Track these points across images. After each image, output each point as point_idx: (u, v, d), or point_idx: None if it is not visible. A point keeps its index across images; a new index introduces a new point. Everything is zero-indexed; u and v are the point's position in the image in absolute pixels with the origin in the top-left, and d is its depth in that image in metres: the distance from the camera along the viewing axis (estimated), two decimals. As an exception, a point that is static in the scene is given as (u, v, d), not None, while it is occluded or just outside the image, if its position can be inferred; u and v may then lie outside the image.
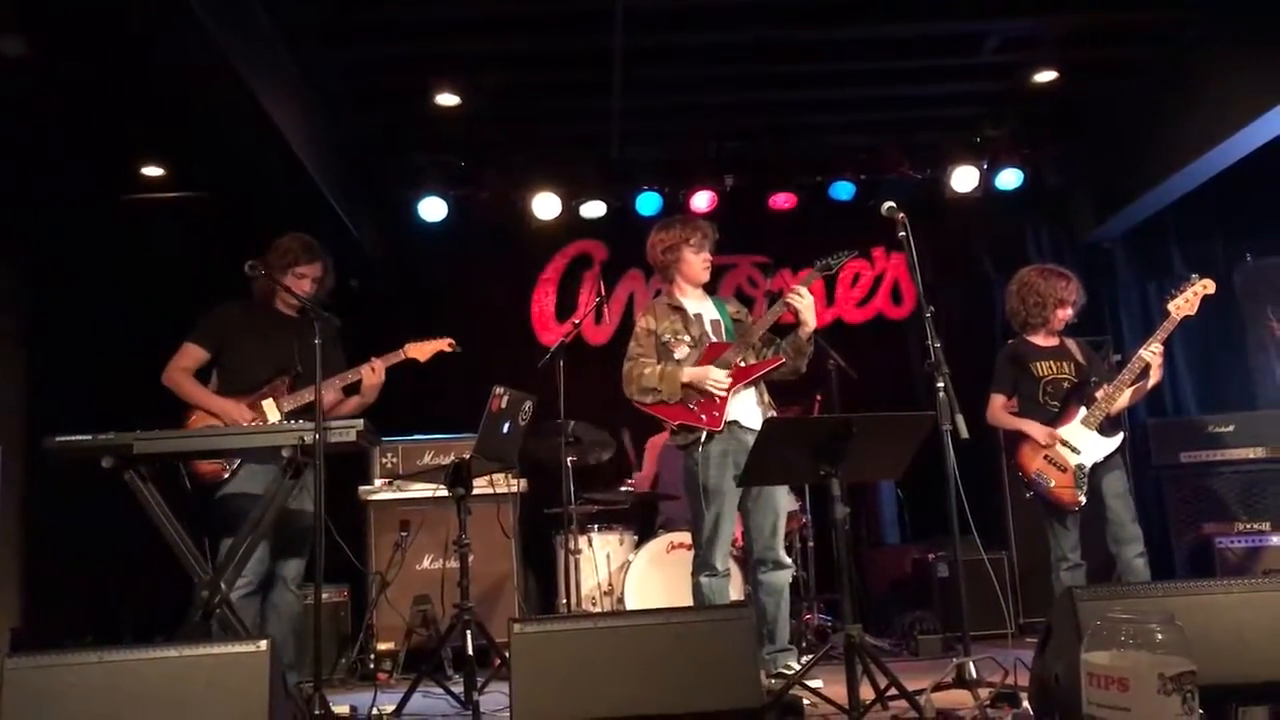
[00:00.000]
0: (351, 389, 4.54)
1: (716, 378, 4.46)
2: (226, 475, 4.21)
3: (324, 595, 5.25)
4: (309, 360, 4.20)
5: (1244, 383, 7.43)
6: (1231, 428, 6.67)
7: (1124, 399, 4.85)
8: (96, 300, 6.76)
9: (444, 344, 4.63)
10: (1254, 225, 7.53)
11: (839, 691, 3.65)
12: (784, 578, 4.54)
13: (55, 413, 6.11)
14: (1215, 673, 2.57)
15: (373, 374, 4.43)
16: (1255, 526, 6.39)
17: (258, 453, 3.99)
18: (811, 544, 6.18)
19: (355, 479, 6.03)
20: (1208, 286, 4.78)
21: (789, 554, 4.68)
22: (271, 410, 4.31)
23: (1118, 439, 4.81)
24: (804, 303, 4.45)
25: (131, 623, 6.04)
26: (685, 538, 5.66)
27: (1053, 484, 4.79)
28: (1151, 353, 4.73)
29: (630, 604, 5.67)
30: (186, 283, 6.35)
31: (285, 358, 4.37)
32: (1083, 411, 4.82)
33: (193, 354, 4.41)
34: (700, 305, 4.74)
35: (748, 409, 4.53)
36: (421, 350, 4.59)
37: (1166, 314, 4.79)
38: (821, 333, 4.59)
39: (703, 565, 4.46)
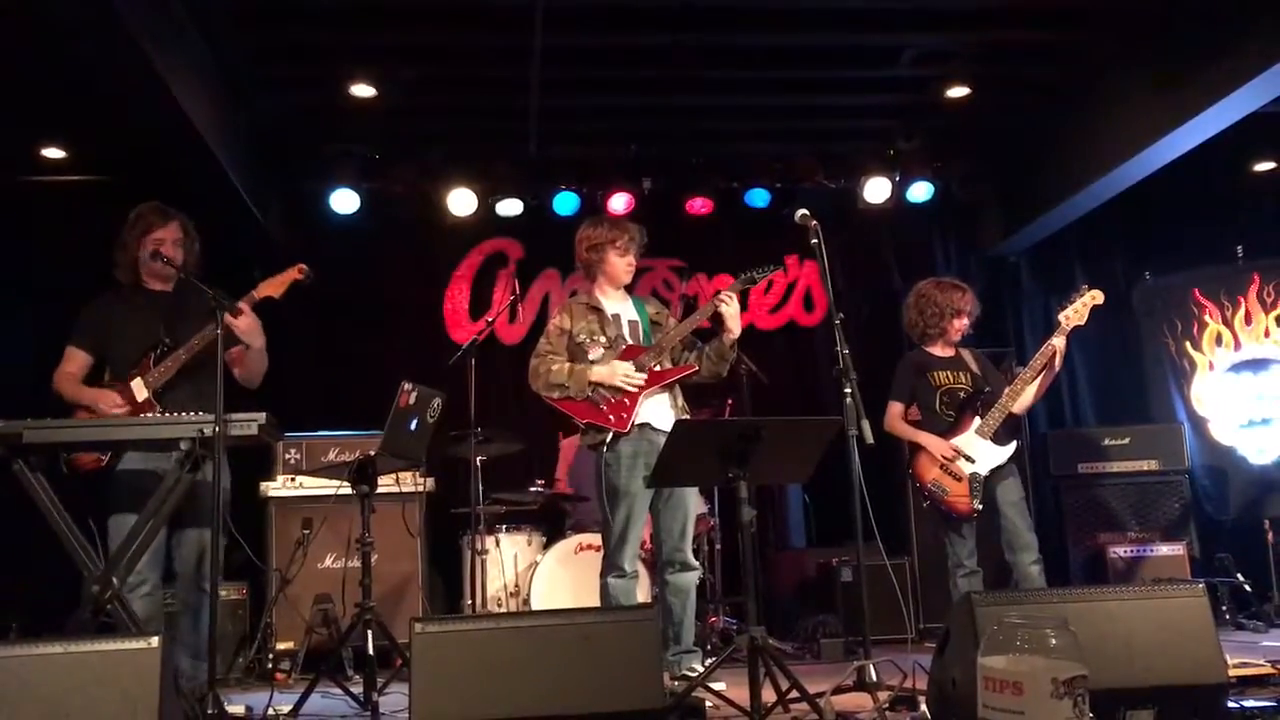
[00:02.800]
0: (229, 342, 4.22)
1: (626, 371, 4.46)
2: (104, 465, 4.04)
3: (222, 593, 5.18)
4: (176, 332, 4.09)
5: (1140, 397, 7.68)
6: (1127, 440, 6.89)
7: (1030, 393, 4.94)
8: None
9: (294, 273, 4.26)
10: (1153, 245, 7.80)
11: (742, 694, 3.67)
12: (691, 579, 4.56)
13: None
14: (1105, 677, 2.64)
15: (239, 321, 4.03)
16: (1146, 536, 6.61)
17: (155, 444, 3.87)
18: (719, 547, 6.22)
19: (257, 474, 5.90)
20: (1097, 298, 4.91)
21: (696, 557, 4.70)
22: (140, 389, 4.11)
23: (1011, 448, 4.91)
24: (731, 310, 4.50)
25: (18, 620, 5.83)
26: (594, 539, 5.64)
27: (949, 493, 4.88)
28: (1060, 339, 4.82)
29: (537, 605, 5.64)
30: (88, 268, 6.15)
31: (153, 332, 4.18)
32: (977, 421, 4.92)
33: (76, 358, 4.23)
34: (620, 305, 4.74)
35: (660, 411, 4.54)
36: (273, 286, 4.23)
37: (1058, 324, 4.91)
38: (737, 339, 4.63)
39: (611, 566, 4.46)
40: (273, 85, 6.54)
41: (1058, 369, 4.95)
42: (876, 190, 7.47)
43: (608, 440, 4.44)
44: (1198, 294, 7.43)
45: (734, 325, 4.53)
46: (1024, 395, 4.92)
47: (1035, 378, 4.90)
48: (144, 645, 2.85)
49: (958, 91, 6.84)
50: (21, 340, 6.26)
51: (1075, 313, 4.89)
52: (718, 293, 4.56)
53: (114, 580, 3.61)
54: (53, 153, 6.71)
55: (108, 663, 2.82)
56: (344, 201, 7.19)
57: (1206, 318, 7.38)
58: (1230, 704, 3.16)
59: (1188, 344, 7.44)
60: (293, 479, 5.96)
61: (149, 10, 4.93)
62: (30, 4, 4.78)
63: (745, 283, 4.68)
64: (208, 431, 3.59)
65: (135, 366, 4.17)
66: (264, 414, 3.74)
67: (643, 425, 4.46)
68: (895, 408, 5.13)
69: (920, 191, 7.58)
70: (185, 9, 5.40)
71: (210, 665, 3.65)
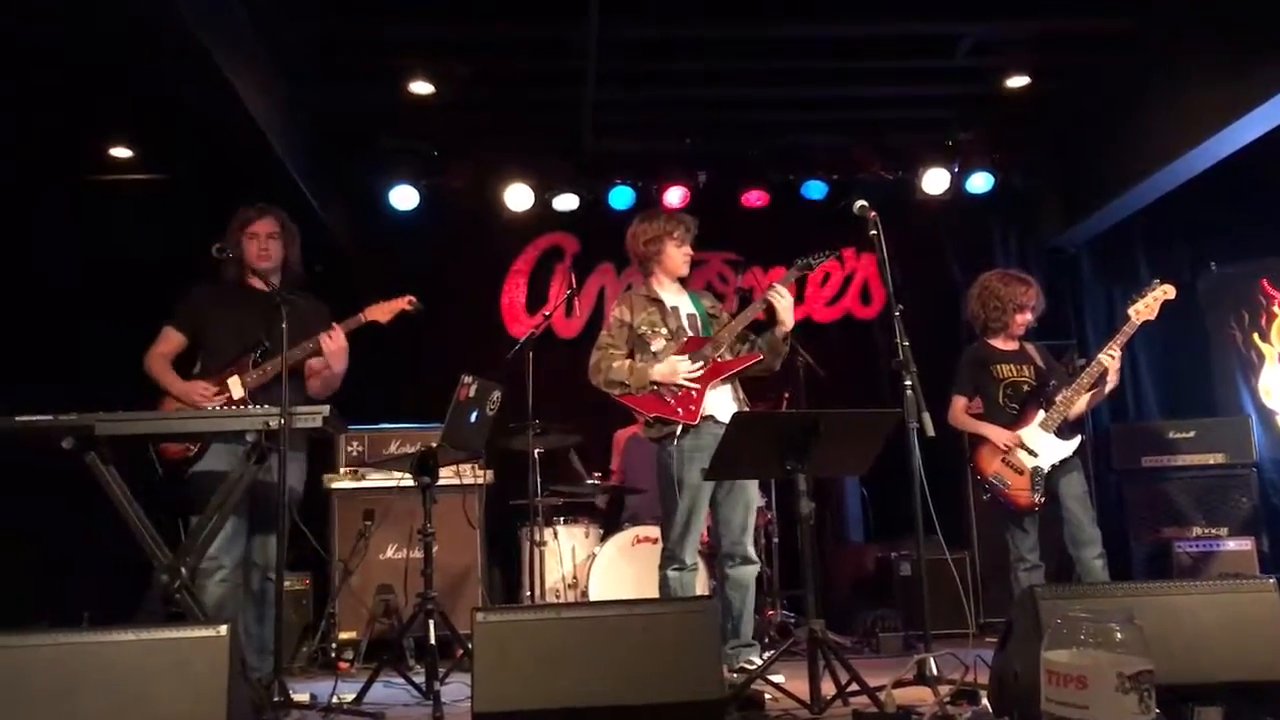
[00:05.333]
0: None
1: (686, 368, 4.46)
2: (192, 454, 4.16)
3: (286, 583, 5.26)
4: (276, 335, 4.13)
5: (1205, 390, 7.53)
6: (1192, 434, 6.76)
7: (1081, 403, 4.89)
8: (62, 281, 6.67)
9: (404, 303, 4.43)
10: (1218, 234, 7.62)
11: (800, 687, 3.67)
12: (751, 573, 4.55)
13: (15, 394, 6.02)
14: (1172, 672, 2.59)
15: (330, 340, 4.27)
16: (1212, 531, 6.49)
17: (222, 436, 3.95)
18: (776, 540, 6.21)
19: (320, 466, 5.98)
20: (1168, 292, 4.84)
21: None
22: (236, 386, 4.23)
23: (1075, 442, 4.86)
24: (783, 302, 4.49)
25: (91, 607, 5.96)
26: (651, 531, 5.66)
27: (1010, 486, 4.83)
28: (1110, 356, 4.79)
29: (594, 597, 5.66)
30: (153, 265, 6.28)
31: (253, 333, 4.29)
32: (1041, 414, 4.87)
33: (170, 338, 4.38)
34: (678, 299, 4.74)
35: (723, 404, 4.53)
36: (382, 312, 4.41)
37: (1127, 318, 4.85)
38: (791, 331, 4.61)
39: (671, 559, 4.47)
40: (332, 83, 6.62)
41: (1113, 384, 4.88)
42: (935, 181, 7.41)
43: (676, 433, 4.44)
44: (1266, 284, 7.26)
45: (787, 318, 4.52)
46: (1076, 404, 4.86)
47: (1089, 389, 4.84)
48: (213, 633, 2.92)
49: (1017, 81, 6.76)
50: (92, 335, 6.41)
51: (1146, 307, 4.83)
52: (771, 285, 4.55)
53: (182, 570, 3.70)
54: (120, 152, 6.85)
55: (177, 650, 2.89)
56: (403, 198, 7.28)
57: (1275, 308, 7.22)
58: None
59: (1255, 335, 7.28)
60: (355, 471, 6.03)
61: (211, 9, 5.01)
62: (94, 4, 4.88)
63: (801, 269, 4.65)
64: (274, 424, 3.66)
65: (232, 364, 4.28)
66: (328, 406, 3.81)
67: (706, 418, 4.45)
68: (959, 401, 5.10)
69: (979, 182, 7.51)
70: (246, 8, 5.49)
71: (276, 654, 3.72)
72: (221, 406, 4.17)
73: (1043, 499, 4.78)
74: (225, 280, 4.47)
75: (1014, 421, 4.92)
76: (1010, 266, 6.43)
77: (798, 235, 7.30)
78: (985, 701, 3.39)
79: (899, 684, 3.66)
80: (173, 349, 4.38)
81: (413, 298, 4.44)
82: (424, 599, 4.33)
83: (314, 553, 4.93)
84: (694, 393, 4.45)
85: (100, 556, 5.38)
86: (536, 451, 5.60)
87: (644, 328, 4.60)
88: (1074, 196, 7.67)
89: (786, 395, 6.27)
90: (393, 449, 5.97)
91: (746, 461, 3.95)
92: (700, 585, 5.22)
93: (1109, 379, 4.86)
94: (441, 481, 4.63)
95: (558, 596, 5.89)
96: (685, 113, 7.23)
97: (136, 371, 4.39)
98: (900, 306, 4.17)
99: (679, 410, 4.44)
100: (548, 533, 5.85)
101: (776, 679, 3.95)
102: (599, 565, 5.76)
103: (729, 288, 7.75)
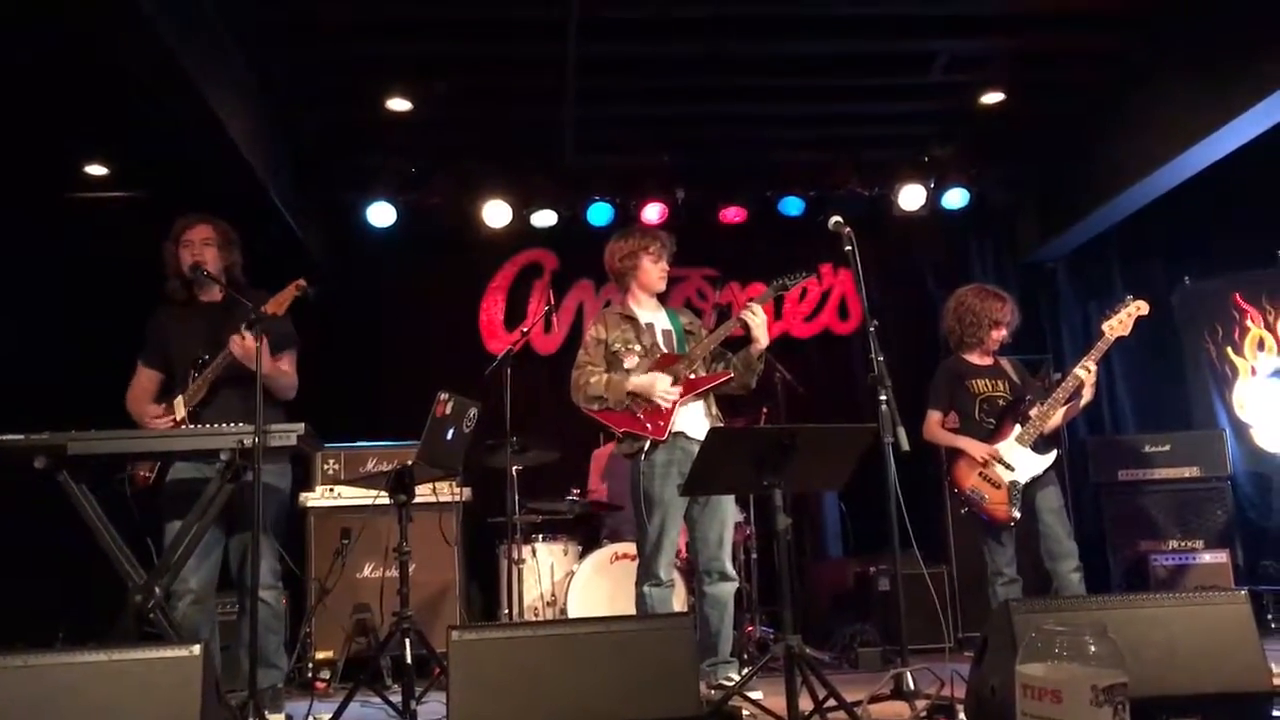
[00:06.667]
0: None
1: (665, 388, 4.46)
2: (150, 481, 4.09)
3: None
4: (220, 344, 4.07)
5: (1181, 404, 7.58)
6: (1168, 447, 6.80)
7: (1057, 417, 4.91)
8: (36, 299, 6.63)
9: (293, 289, 4.13)
10: (1194, 248, 7.70)
11: (778, 703, 3.66)
12: (729, 590, 4.54)
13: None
14: (1146, 685, 2.62)
15: (239, 344, 4.01)
16: (1188, 544, 6.52)
17: (195, 455, 3.91)
18: (755, 556, 6.20)
19: (297, 485, 5.94)
20: (1142, 308, 4.88)
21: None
22: (179, 407, 4.14)
23: (1051, 456, 4.88)
24: (757, 320, 4.48)
25: (66, 629, 5.91)
26: (629, 548, 5.65)
27: (987, 500, 4.84)
28: (1085, 371, 4.82)
29: (573, 614, 5.64)
30: (129, 283, 6.24)
31: (193, 349, 4.20)
32: (1017, 429, 4.89)
33: (142, 375, 4.32)
34: (653, 315, 4.75)
35: (695, 420, 4.54)
36: (275, 304, 4.10)
37: (1101, 334, 4.88)
38: (769, 347, 4.63)
39: (646, 575, 4.46)
40: (309, 100, 6.62)
41: (1088, 397, 4.91)
42: (911, 197, 7.45)
43: (645, 449, 4.45)
44: (1239, 298, 7.33)
45: (761, 335, 4.52)
46: (1052, 418, 4.89)
47: (1065, 403, 4.86)
48: (185, 653, 2.89)
49: (993, 97, 6.80)
50: (65, 354, 6.37)
51: (1120, 323, 4.86)
52: (746, 304, 4.56)
53: (156, 590, 3.66)
54: (96, 169, 6.82)
55: (150, 670, 2.86)
56: (381, 215, 7.27)
57: (1248, 322, 7.28)
58: (1276, 713, 3.11)
59: (1229, 349, 7.34)
60: (331, 489, 6.00)
61: (189, 27, 5.00)
62: (71, 22, 4.87)
63: (778, 289, 4.67)
64: (248, 443, 3.63)
65: (182, 383, 4.21)
66: (303, 425, 3.78)
67: (677, 434, 4.47)
68: (934, 416, 5.10)
69: (955, 198, 7.55)
70: (224, 25, 5.48)
71: (251, 674, 3.68)
72: (168, 428, 4.08)
73: (1020, 513, 4.80)
74: (174, 300, 4.37)
75: (990, 436, 4.93)
76: (986, 281, 6.44)
77: (775, 251, 7.36)
78: (962, 716, 3.40)
79: (876, 699, 3.67)
80: (146, 383, 4.31)
81: (302, 281, 4.14)
82: (400, 618, 4.31)
83: (289, 571, 4.89)
84: (664, 409, 4.46)
85: (78, 578, 5.33)
86: (515, 468, 5.58)
87: (617, 345, 4.61)
88: (1050, 211, 7.73)
89: (765, 410, 6.28)
90: (369, 467, 5.95)
91: (723, 476, 3.95)
92: (679, 602, 5.21)
93: (1084, 393, 4.88)
94: (418, 499, 4.61)
95: (536, 614, 5.87)
96: (664, 129, 7.25)
97: (114, 391, 4.35)
98: (875, 322, 4.18)
99: (648, 425, 4.45)
100: (526, 550, 5.83)
101: (755, 695, 3.94)
102: (577, 582, 5.74)
103: (707, 304, 7.76)
